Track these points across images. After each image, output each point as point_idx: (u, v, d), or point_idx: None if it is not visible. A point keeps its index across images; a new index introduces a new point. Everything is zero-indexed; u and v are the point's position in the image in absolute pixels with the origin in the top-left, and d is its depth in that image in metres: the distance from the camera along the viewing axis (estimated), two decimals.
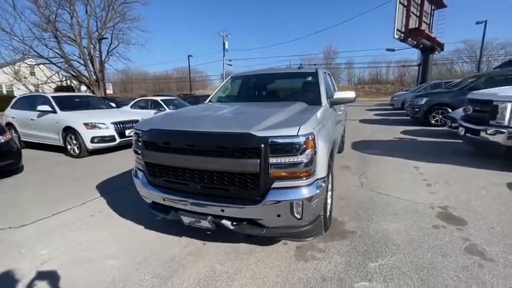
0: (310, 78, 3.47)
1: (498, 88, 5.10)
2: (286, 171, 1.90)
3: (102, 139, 6.07)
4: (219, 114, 2.55)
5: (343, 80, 66.43)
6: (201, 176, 2.05)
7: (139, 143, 2.40)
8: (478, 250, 2.28)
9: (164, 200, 2.21)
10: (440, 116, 9.49)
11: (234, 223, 2.07)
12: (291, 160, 1.88)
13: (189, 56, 33.59)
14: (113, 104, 8.47)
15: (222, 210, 1.99)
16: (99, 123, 6.07)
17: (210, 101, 3.70)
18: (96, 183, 4.35)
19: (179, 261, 2.26)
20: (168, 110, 9.45)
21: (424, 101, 9.75)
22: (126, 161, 5.74)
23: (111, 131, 6.18)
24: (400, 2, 14.87)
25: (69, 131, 6.08)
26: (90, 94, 12.71)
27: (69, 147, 6.18)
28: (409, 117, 11.32)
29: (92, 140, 5.94)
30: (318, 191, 1.97)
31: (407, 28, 15.47)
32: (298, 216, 1.94)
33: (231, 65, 37.19)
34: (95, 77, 23.91)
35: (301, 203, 1.91)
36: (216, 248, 2.44)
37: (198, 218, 2.10)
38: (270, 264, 2.18)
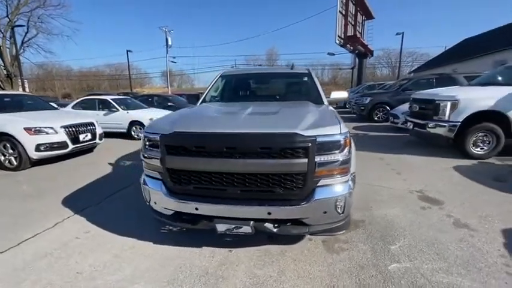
0: (306, 79, 3.61)
1: (439, 89, 6.18)
2: (330, 168, 1.96)
3: (51, 146, 5.08)
4: (246, 114, 2.39)
5: None
6: (243, 180, 1.95)
7: (155, 148, 2.14)
8: (462, 223, 2.76)
9: (197, 209, 2.02)
10: (381, 113, 10.96)
11: (276, 225, 2.03)
12: (334, 158, 1.95)
13: (127, 51, 30.56)
14: (54, 105, 7.14)
15: (269, 213, 1.93)
16: (46, 127, 5.06)
17: (204, 100, 3.50)
18: (59, 199, 3.65)
19: (214, 273, 2.10)
20: (136, 111, 8.50)
21: (368, 100, 11.09)
22: (83, 170, 4.97)
23: (62, 137, 5.22)
24: (339, 11, 16.51)
25: (2, 139, 4.90)
26: (25, 92, 10.40)
27: (2, 158, 4.98)
28: (355, 115, 12.72)
29: (38, 148, 4.92)
30: (353, 186, 2.10)
31: (346, 35, 17.31)
32: (340, 211, 2.03)
33: (175, 62, 35.39)
34: (5, 72, 19.72)
35: (343, 199, 2.00)
36: (244, 253, 2.35)
37: (239, 224, 1.99)
38: (307, 261, 2.22)
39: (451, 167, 4.70)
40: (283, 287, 1.94)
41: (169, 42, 31.31)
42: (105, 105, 8.53)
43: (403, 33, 22.53)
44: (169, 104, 11.06)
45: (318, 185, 1.96)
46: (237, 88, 3.78)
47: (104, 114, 8.12)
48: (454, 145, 5.46)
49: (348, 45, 18.00)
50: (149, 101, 11.32)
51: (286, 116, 2.37)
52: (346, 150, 1.99)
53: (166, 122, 2.33)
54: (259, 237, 2.43)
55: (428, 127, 5.55)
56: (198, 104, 3.43)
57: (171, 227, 2.78)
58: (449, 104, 5.20)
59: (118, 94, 20.32)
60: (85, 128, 5.71)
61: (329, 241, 2.51)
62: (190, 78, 74.39)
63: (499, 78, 5.78)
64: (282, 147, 1.86)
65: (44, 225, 2.90)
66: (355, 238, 2.55)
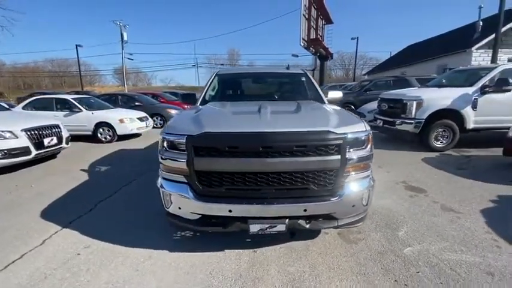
0: (304, 79, 3.72)
1: (405, 90, 6.89)
2: (357, 164, 2.08)
3: (9, 153, 4.38)
4: (269, 113, 2.34)
5: None
6: (278, 178, 1.96)
7: (179, 150, 2.02)
8: (448, 207, 3.16)
9: (230, 211, 1.97)
10: None
11: (308, 221, 2.08)
12: (361, 154, 2.08)
13: (77, 45, 27.53)
14: (4, 105, 6.13)
15: (305, 210, 1.97)
16: (3, 131, 4.34)
17: (205, 100, 3.37)
18: (35, 212, 3.19)
19: (248, 274, 2.07)
20: (102, 111, 7.70)
21: None
22: (54, 179, 4.42)
23: (23, 141, 4.53)
24: (303, 15, 17.20)
25: None
26: None
27: None
28: None
29: None
30: (374, 179, 2.26)
31: (309, 38, 18.10)
32: (364, 203, 2.16)
33: (132, 59, 33.06)
34: None
35: (367, 191, 2.14)
36: (270, 252, 2.36)
37: (273, 223, 2.00)
38: (333, 254, 2.32)
39: (420, 159, 5.29)
40: (320, 280, 2.00)
41: (125, 38, 29.14)
42: (64, 106, 7.61)
43: (357, 38, 24.51)
44: (136, 103, 10.34)
45: (347, 180, 2.07)
46: (239, 87, 3.72)
47: (65, 115, 7.24)
48: (418, 140, 6.14)
49: (311, 48, 18.85)
50: (112, 100, 10.42)
51: (309, 114, 2.43)
52: (369, 146, 2.13)
53: (189, 122, 2.21)
54: (278, 235, 2.45)
55: (397, 124, 6.16)
56: (199, 104, 3.30)
57: (182, 233, 2.65)
58: (415, 103, 5.84)
59: (68, 93, 18.36)
60: (50, 131, 5.04)
61: (343, 233, 2.65)
62: (147, 76, 70.24)
63: (451, 80, 6.68)
64: (317, 144, 1.92)
65: (29, 244, 2.52)
66: (365, 228, 2.73)
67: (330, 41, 23.20)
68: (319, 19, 20.52)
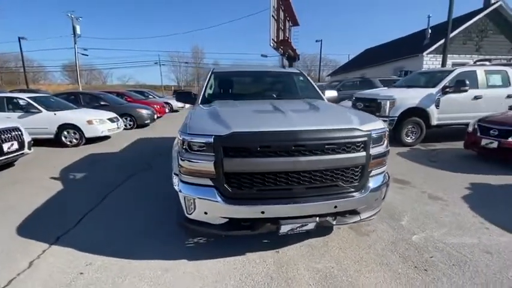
0: (302, 78, 3.77)
1: (378, 90, 7.40)
2: (378, 160, 2.17)
3: None
4: (289, 111, 2.30)
5: None
6: (309, 177, 1.96)
7: (204, 152, 1.91)
8: (435, 196, 3.48)
9: (263, 212, 1.91)
10: None
11: (334, 218, 2.12)
12: (381, 150, 2.18)
13: (20, 38, 24.22)
14: None
15: (335, 207, 2.00)
16: None
17: (206, 99, 3.22)
18: (8, 230, 2.74)
19: (278, 276, 2.03)
20: (66, 111, 6.86)
21: None
22: (21, 190, 3.86)
23: None
24: (272, 16, 17.48)
25: None
26: None
27: None
28: None
29: None
30: (389, 174, 2.39)
31: (278, 39, 18.47)
32: (382, 197, 2.28)
33: (86, 55, 30.26)
34: None
35: (385, 186, 2.26)
36: (291, 251, 2.35)
37: (304, 221, 1.99)
38: (352, 248, 2.40)
39: (395, 153, 5.74)
40: (349, 274, 2.05)
41: (78, 31, 26.53)
42: (17, 106, 6.64)
43: (321, 40, 25.75)
44: (101, 103, 9.47)
45: (370, 175, 2.15)
46: (240, 86, 3.62)
47: (20, 117, 6.31)
48: (392, 136, 6.64)
49: (280, 49, 19.26)
50: (72, 99, 9.38)
51: (328, 112, 2.47)
52: (386, 142, 2.25)
53: (211, 122, 2.08)
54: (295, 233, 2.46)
55: None
56: (200, 103, 3.14)
57: (195, 240, 2.50)
58: (388, 103, 6.32)
59: (11, 91, 16.25)
60: (9, 135, 4.36)
61: (354, 226, 2.75)
62: (102, 74, 64.80)
63: (416, 81, 7.37)
64: (346, 142, 1.96)
65: (14, 268, 2.15)
66: (372, 221, 2.87)
67: (296, 42, 23.95)
68: (286, 21, 21.07)
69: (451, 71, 6.54)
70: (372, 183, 2.14)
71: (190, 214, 2.04)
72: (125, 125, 9.34)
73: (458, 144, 6.40)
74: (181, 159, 2.00)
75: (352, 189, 2.07)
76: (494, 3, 14.41)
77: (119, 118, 7.88)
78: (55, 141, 6.70)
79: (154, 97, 15.65)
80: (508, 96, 6.43)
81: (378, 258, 2.24)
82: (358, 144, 2.01)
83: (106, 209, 3.25)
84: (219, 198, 1.92)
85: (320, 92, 3.54)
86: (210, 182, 1.96)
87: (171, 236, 2.57)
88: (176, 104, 16.38)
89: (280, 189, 1.95)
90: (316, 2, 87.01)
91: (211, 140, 1.88)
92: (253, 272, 2.08)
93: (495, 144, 4.68)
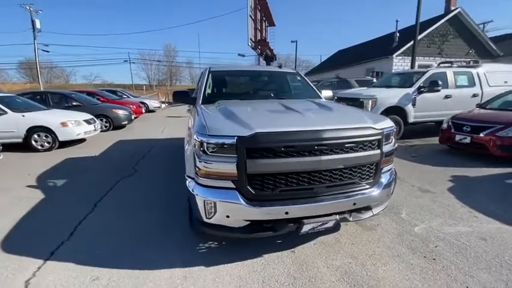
0: (299, 78, 3.81)
1: (361, 89, 7.72)
2: (388, 157, 2.27)
3: None
4: (303, 110, 2.33)
5: (185, 79, 67.96)
6: (329, 175, 1.99)
7: (225, 153, 1.85)
8: (425, 189, 3.72)
9: (287, 213, 1.90)
10: None
11: (350, 214, 2.17)
12: (390, 148, 2.28)
13: None
14: None
15: (354, 204, 2.05)
16: None
17: (206, 98, 3.11)
18: None
19: (302, 276, 2.04)
20: (35, 113, 6.23)
21: None
22: None
23: None
24: (250, 16, 17.47)
25: None
26: None
27: None
28: None
29: None
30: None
31: (256, 38, 18.54)
32: (391, 193, 2.38)
33: (47, 51, 27.90)
34: None
35: (393, 182, 2.37)
36: (306, 250, 2.37)
37: (326, 220, 2.02)
38: (363, 243, 2.48)
39: None
40: (367, 268, 2.11)
41: (38, 26, 24.36)
42: None
43: (296, 41, 26.31)
44: (73, 103, 8.78)
45: (382, 172, 2.24)
46: (240, 85, 3.56)
47: None
48: None
49: (258, 49, 19.35)
50: (38, 99, 8.57)
51: (340, 111, 2.52)
52: (394, 140, 2.35)
53: (230, 122, 2.02)
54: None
55: None
56: (201, 103, 3.03)
57: (206, 244, 2.42)
58: (370, 102, 6.64)
59: None
60: None
61: (360, 223, 2.84)
62: (65, 72, 60.03)
63: (393, 82, 7.83)
64: (364, 140, 2.02)
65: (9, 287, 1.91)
66: (375, 216, 2.99)
67: (272, 42, 24.23)
68: (263, 21, 21.19)
69: (425, 72, 7.04)
70: (384, 180, 2.23)
71: (209, 218, 1.96)
72: (101, 127, 8.77)
73: (431, 139, 6.94)
74: (199, 161, 1.92)
75: (368, 186, 2.14)
76: (454, 10, 15.79)
77: (96, 119, 7.36)
78: (24, 146, 6.09)
79: (128, 97, 14.86)
80: (473, 96, 7.08)
81: (388, 251, 2.34)
82: (374, 142, 2.08)
83: (100, 217, 3.02)
84: (242, 201, 1.87)
85: (318, 91, 3.61)
86: (231, 184, 1.90)
87: (179, 243, 2.46)
88: (152, 104, 15.73)
89: (302, 189, 1.95)
90: (289, 2, 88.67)
91: (233, 141, 1.82)
92: (274, 273, 2.07)
93: (468, 140, 5.13)
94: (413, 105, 6.76)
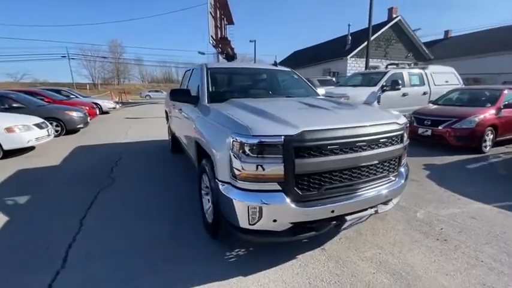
0: (295, 76, 3.82)
1: (331, 88, 8.11)
2: (405, 151, 2.43)
3: None
4: (330, 107, 2.38)
5: (134, 77, 63.31)
6: (367, 171, 2.04)
7: (269, 154, 1.76)
8: (411, 179, 4.05)
9: (333, 211, 1.89)
10: None
11: (375, 207, 2.27)
12: (404, 143, 2.44)
13: None
14: None
15: (386, 196, 2.14)
16: None
17: (210, 97, 2.90)
18: None
19: (343, 272, 2.06)
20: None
21: None
22: None
23: None
24: (210, 13, 17.02)
25: None
26: None
27: None
28: None
29: None
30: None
31: (217, 36, 18.16)
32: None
33: None
34: None
35: (408, 174, 2.55)
36: (335, 246, 2.40)
37: (364, 215, 2.07)
38: (381, 233, 2.61)
39: None
40: (396, 256, 2.23)
41: None
42: None
43: (255, 40, 26.63)
44: (13, 105, 7.40)
45: (401, 164, 2.39)
46: (243, 83, 3.38)
47: None
48: None
49: (219, 47, 18.99)
50: None
51: (366, 108, 2.60)
52: (407, 135, 2.52)
53: (271, 121, 1.90)
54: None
55: None
56: (207, 102, 2.81)
57: (233, 253, 2.28)
58: (343, 99, 7.05)
59: None
60: None
61: None
62: None
63: (358, 81, 8.46)
64: (393, 135, 2.13)
65: None
66: None
67: (231, 41, 24.07)
68: (222, 19, 20.87)
69: (386, 73, 7.78)
70: (403, 171, 2.39)
71: (253, 224, 1.84)
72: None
73: None
74: (239, 163, 1.78)
75: (394, 179, 2.26)
76: (395, 18, 17.79)
77: (48, 124, 6.33)
78: None
79: (77, 97, 13.13)
80: (424, 93, 8.08)
81: (406, 238, 2.51)
82: (399, 136, 2.20)
83: (93, 236, 2.59)
84: (290, 203, 1.79)
85: (314, 89, 3.69)
86: (277, 186, 1.81)
87: (202, 255, 2.26)
88: (106, 105, 14.22)
89: (344, 185, 1.97)
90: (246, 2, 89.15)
91: (280, 140, 1.73)
92: (314, 273, 2.04)
93: (429, 132, 5.83)
94: (378, 102, 7.40)
